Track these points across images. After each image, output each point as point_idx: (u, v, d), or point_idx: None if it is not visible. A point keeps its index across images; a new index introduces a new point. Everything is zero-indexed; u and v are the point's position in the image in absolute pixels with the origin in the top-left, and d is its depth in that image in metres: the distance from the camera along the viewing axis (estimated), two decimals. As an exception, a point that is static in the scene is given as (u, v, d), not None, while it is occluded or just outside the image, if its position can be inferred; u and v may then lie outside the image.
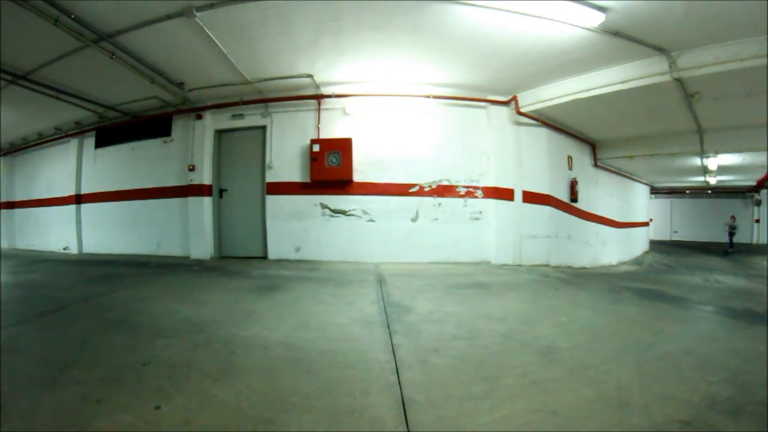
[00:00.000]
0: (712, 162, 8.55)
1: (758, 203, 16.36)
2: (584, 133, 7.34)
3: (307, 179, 5.99)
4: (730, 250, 12.62)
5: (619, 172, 9.78)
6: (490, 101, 6.00)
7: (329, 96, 5.90)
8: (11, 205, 8.54)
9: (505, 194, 6.01)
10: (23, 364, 2.02)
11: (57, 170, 7.73)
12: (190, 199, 6.37)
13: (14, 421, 1.48)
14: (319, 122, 6.02)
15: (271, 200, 6.16)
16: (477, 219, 6.01)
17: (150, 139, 6.87)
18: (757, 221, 16.77)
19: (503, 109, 6.04)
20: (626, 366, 2.10)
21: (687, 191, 17.49)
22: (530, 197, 6.10)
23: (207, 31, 4.18)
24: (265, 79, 5.55)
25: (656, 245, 14.56)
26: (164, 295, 3.69)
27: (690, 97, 5.05)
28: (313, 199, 6.04)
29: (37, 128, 7.71)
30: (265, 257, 6.15)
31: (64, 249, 7.46)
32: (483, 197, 6.01)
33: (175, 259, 6.20)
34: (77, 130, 7.37)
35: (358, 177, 5.94)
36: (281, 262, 5.86)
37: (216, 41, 4.41)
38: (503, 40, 4.37)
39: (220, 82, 5.62)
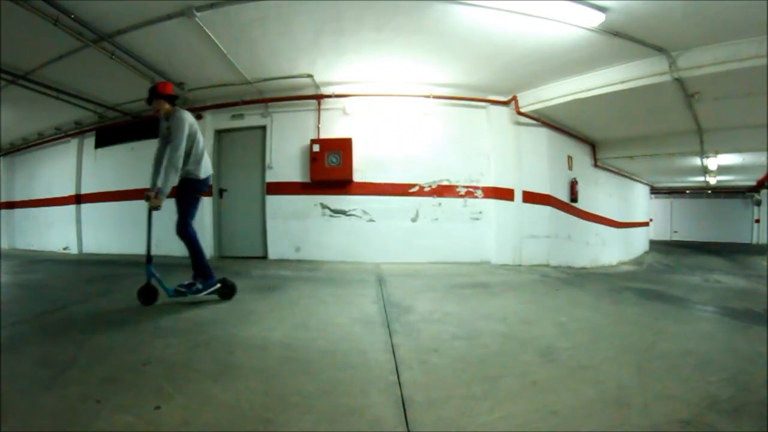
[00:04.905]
0: (712, 162, 8.54)
1: (758, 203, 16.35)
2: (584, 133, 7.34)
3: (307, 179, 5.99)
4: None
5: (619, 172, 9.78)
6: (490, 101, 6.00)
7: (329, 96, 5.90)
8: (11, 205, 8.54)
9: (505, 194, 6.01)
10: (23, 364, 2.02)
11: (57, 170, 7.72)
12: (190, 199, 6.36)
13: (14, 421, 1.47)
14: (319, 122, 6.02)
15: (271, 200, 6.16)
16: (477, 219, 6.01)
17: (150, 139, 6.84)
18: (758, 221, 16.76)
19: (503, 109, 6.04)
20: (626, 366, 2.10)
21: (687, 191, 17.48)
22: (530, 197, 6.10)
23: (207, 31, 4.18)
24: (265, 79, 5.56)
25: (656, 245, 14.55)
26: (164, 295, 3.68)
27: (690, 97, 5.05)
28: (313, 199, 6.04)
29: (37, 128, 7.71)
30: (265, 257, 6.15)
31: (64, 249, 7.46)
32: (483, 197, 6.01)
33: (174, 259, 6.17)
34: (77, 130, 7.37)
35: (358, 177, 5.94)
36: (281, 262, 5.86)
37: (216, 41, 4.41)
38: (503, 40, 4.37)
39: (220, 82, 5.62)
